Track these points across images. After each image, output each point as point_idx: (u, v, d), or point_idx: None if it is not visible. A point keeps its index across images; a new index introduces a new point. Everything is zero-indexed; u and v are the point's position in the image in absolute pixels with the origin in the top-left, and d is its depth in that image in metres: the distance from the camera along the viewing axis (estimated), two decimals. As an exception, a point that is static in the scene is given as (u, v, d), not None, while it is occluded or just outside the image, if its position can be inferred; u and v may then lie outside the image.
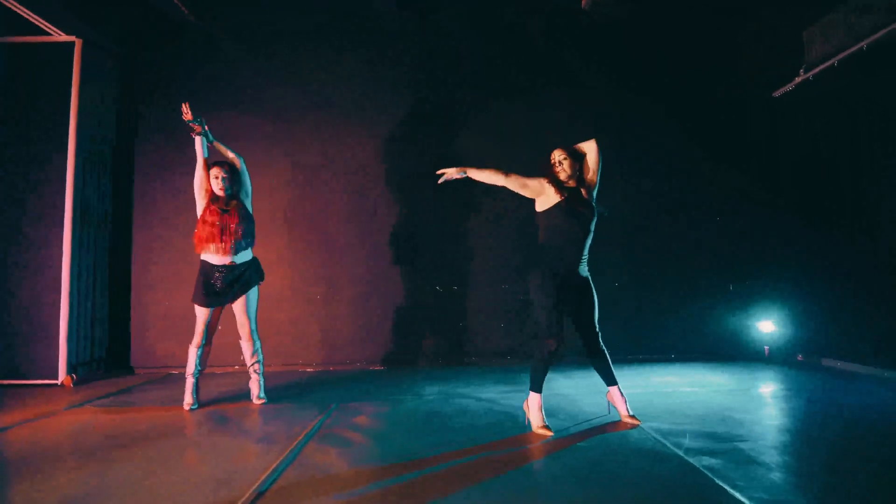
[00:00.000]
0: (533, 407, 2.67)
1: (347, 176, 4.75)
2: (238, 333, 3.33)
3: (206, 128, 3.19)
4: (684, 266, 4.82)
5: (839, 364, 4.25)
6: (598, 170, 2.77)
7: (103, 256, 4.48)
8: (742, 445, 2.36)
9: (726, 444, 2.38)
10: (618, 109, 4.79)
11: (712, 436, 2.50)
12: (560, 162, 2.73)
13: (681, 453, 2.26)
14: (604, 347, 2.78)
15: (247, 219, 3.26)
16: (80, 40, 4.21)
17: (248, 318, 3.28)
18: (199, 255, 3.21)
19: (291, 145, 4.73)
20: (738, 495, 1.82)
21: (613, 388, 2.81)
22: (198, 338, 3.20)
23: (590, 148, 2.76)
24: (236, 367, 4.48)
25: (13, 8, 3.78)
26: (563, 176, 2.72)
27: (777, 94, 4.80)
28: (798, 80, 4.54)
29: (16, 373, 3.97)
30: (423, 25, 4.80)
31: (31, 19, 3.95)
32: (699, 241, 4.84)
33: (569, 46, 4.84)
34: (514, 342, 4.71)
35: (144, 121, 4.66)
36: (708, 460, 2.17)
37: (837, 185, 4.45)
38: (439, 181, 2.82)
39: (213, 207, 3.17)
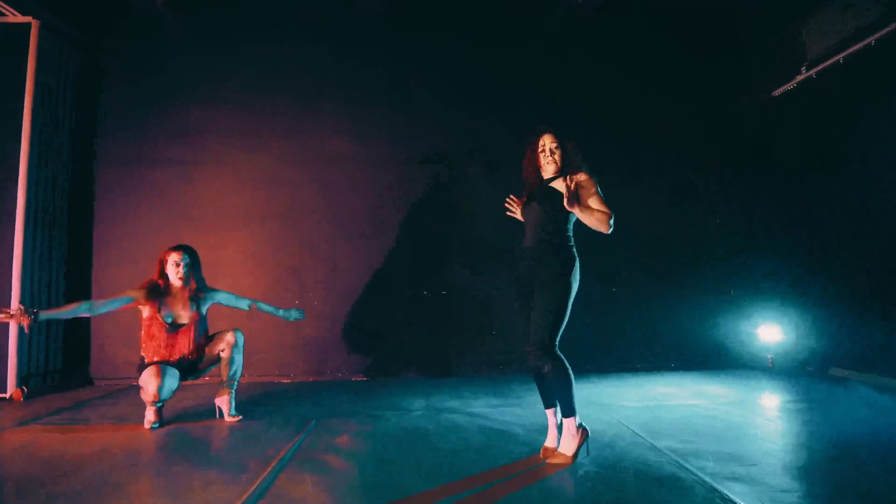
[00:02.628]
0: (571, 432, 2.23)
1: (326, 174, 4.45)
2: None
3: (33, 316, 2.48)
4: (683, 272, 4.63)
5: (847, 373, 4.08)
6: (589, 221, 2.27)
7: (60, 258, 4.10)
8: (767, 468, 2.13)
9: (750, 467, 2.14)
10: (611, 110, 4.60)
11: (733, 457, 2.26)
12: (551, 150, 2.36)
13: (707, 479, 2.01)
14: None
15: (205, 330, 2.94)
16: (38, 21, 3.85)
17: (234, 362, 3.00)
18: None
19: (266, 140, 4.41)
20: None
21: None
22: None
23: (593, 218, 2.23)
24: (207, 377, 4.12)
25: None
26: (550, 168, 2.36)
27: (777, 92, 4.66)
28: (799, 78, 4.40)
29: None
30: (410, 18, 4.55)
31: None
32: (699, 246, 4.66)
33: (584, 40, 4.63)
34: (506, 351, 4.45)
35: (107, 111, 4.31)
36: (739, 486, 1.92)
37: (844, 187, 4.30)
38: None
39: (159, 321, 2.78)
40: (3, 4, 3.73)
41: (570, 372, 2.24)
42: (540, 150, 2.39)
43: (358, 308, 4.38)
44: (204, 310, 2.96)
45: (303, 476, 2.09)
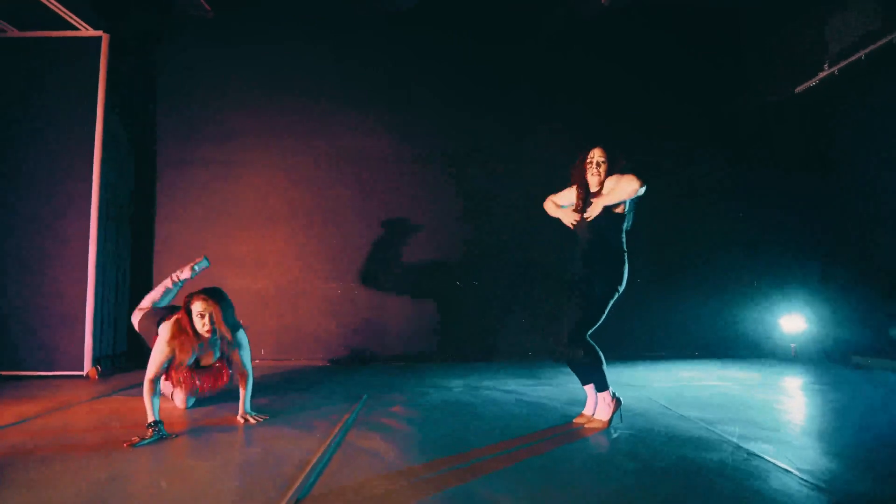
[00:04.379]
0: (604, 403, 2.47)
1: (363, 172, 4.75)
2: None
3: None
4: (707, 262, 4.81)
5: (868, 361, 4.21)
6: (623, 202, 2.43)
7: (126, 251, 4.48)
8: (789, 432, 2.33)
9: (773, 432, 2.35)
10: (637, 105, 4.80)
11: (756, 424, 2.47)
12: (598, 164, 2.47)
13: (734, 440, 2.23)
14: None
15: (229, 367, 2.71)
16: (108, 35, 4.22)
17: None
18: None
19: (303, 139, 4.72)
20: (798, 475, 1.79)
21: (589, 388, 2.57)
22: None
23: (626, 187, 2.36)
24: (256, 360, 4.47)
25: (47, 3, 3.79)
26: (594, 180, 2.47)
27: (799, 89, 4.80)
28: (822, 74, 4.54)
29: (41, 364, 3.95)
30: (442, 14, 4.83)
31: (60, 13, 3.96)
32: (722, 237, 4.83)
33: (584, 40, 4.85)
34: (535, 338, 4.68)
35: (165, 116, 4.68)
36: (763, 445, 2.14)
37: (865, 180, 4.43)
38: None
39: (184, 367, 2.56)
40: (77, 19, 4.11)
41: (600, 354, 2.47)
42: (588, 160, 2.50)
43: (393, 297, 4.67)
44: (228, 355, 2.71)
45: (369, 433, 2.37)
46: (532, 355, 4.66)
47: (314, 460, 2.00)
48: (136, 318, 3.17)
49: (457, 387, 3.50)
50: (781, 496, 1.65)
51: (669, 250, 4.78)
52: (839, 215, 4.64)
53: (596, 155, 2.48)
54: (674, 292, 4.76)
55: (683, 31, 4.89)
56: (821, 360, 4.52)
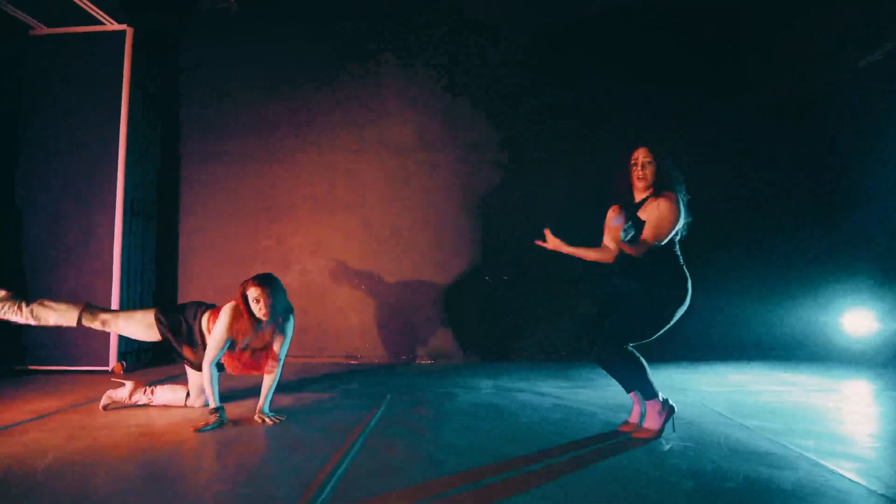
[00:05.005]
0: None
1: (389, 164, 4.57)
2: None
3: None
4: (761, 259, 4.40)
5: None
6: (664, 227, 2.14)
7: (150, 245, 4.45)
8: (871, 448, 2.01)
9: (852, 446, 2.03)
10: (695, 93, 4.44)
11: (832, 437, 2.15)
12: (643, 165, 2.22)
13: (810, 455, 1.92)
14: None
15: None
16: (132, 29, 4.19)
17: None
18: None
19: (328, 132, 4.58)
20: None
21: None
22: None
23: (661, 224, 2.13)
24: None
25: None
26: (640, 184, 2.24)
27: (863, 63, 4.35)
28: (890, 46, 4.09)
29: (67, 360, 3.95)
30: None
31: (86, 8, 3.93)
32: (779, 230, 4.42)
33: (629, 29, 4.53)
34: (569, 339, 4.40)
35: (188, 112, 4.62)
36: (848, 462, 1.83)
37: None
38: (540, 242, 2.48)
39: (238, 350, 2.58)
40: (102, 14, 4.08)
41: (641, 360, 2.21)
42: (633, 162, 2.25)
43: (419, 294, 4.47)
44: (271, 343, 2.66)
45: (391, 440, 2.18)
46: (565, 355, 4.39)
47: (330, 469, 1.82)
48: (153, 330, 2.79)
49: (486, 388, 3.28)
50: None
51: (713, 245, 4.40)
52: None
53: (640, 155, 2.23)
54: (719, 290, 4.37)
55: (684, 31, 4.53)
56: (891, 362, 4.06)
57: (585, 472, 1.80)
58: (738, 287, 4.37)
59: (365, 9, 4.61)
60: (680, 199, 2.19)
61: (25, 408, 2.80)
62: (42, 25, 4.18)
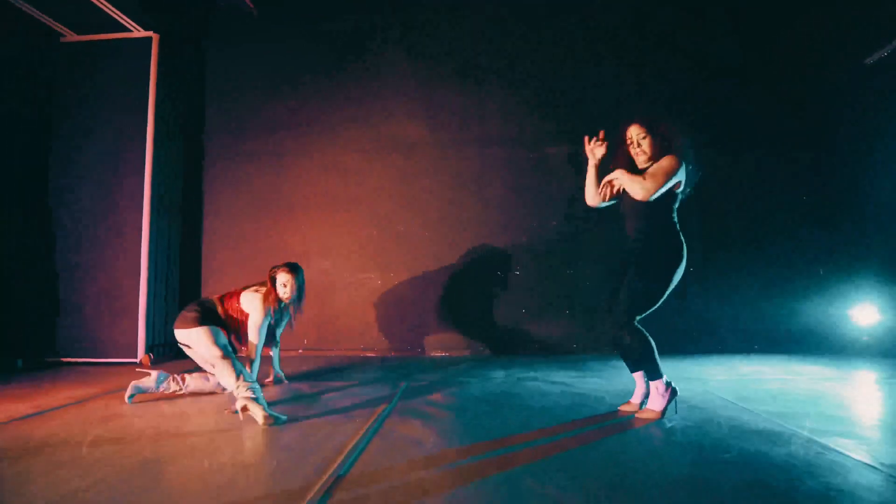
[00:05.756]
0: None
1: (402, 162, 4.72)
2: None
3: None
4: (766, 250, 4.47)
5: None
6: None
7: (175, 242, 4.64)
8: (869, 428, 2.10)
9: (851, 426, 2.13)
10: (699, 86, 4.53)
11: (832, 419, 2.24)
12: (638, 142, 2.30)
13: (805, 433, 2.02)
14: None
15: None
16: (157, 35, 4.39)
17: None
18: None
19: (343, 129, 4.74)
20: (883, 470, 1.59)
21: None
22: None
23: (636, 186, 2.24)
24: (299, 350, 4.52)
25: (103, 7, 3.97)
26: (640, 159, 2.31)
27: (870, 60, 4.39)
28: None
29: (97, 352, 4.15)
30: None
31: (115, 16, 4.14)
32: (783, 223, 4.48)
33: (634, 23, 4.63)
34: (582, 331, 4.51)
35: (213, 110, 4.83)
36: (840, 439, 1.93)
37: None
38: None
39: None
40: (129, 21, 4.28)
41: (650, 340, 2.31)
42: (628, 142, 2.34)
43: (433, 288, 4.61)
44: (292, 318, 3.14)
45: (408, 420, 2.32)
46: (577, 348, 4.49)
47: (352, 443, 1.97)
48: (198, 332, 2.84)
49: (498, 377, 3.40)
50: (864, 491, 1.46)
51: (718, 236, 4.48)
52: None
53: (633, 133, 2.31)
54: (728, 282, 4.46)
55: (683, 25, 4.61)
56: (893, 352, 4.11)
57: (588, 447, 1.92)
58: (748, 282, 4.44)
59: (378, 7, 4.78)
60: (682, 158, 2.24)
61: (60, 395, 2.98)
62: (72, 33, 4.40)
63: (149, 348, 4.19)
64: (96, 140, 4.31)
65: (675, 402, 2.37)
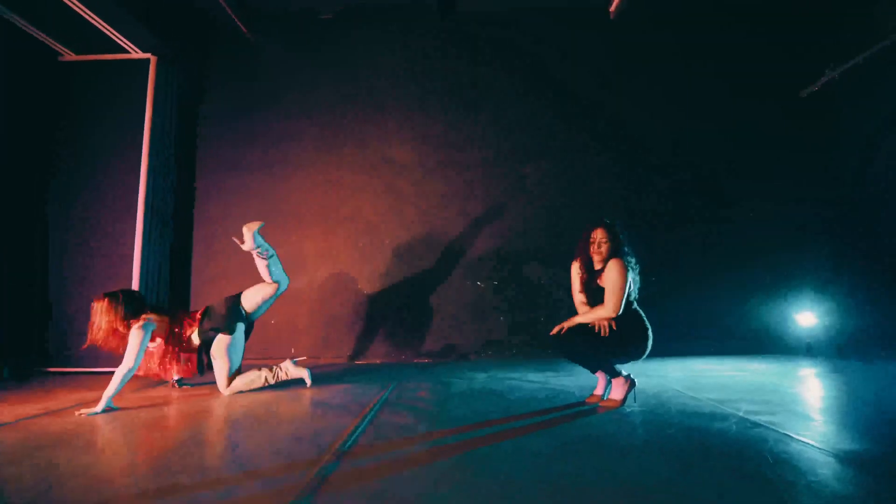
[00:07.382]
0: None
1: (390, 179, 5.03)
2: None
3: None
4: (717, 258, 4.92)
5: (883, 354, 4.26)
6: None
7: (166, 251, 4.77)
8: (794, 408, 2.47)
9: (778, 406, 2.49)
10: (644, 109, 5.01)
11: (765, 402, 2.61)
12: (600, 244, 2.66)
13: (740, 413, 2.38)
14: None
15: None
16: (156, 57, 4.61)
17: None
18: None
19: (338, 147, 5.04)
20: (802, 439, 1.94)
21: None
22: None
23: (613, 290, 2.57)
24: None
25: (103, 29, 4.18)
26: (597, 258, 2.67)
27: (804, 93, 4.94)
28: (824, 79, 4.69)
29: (88, 361, 4.23)
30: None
31: (113, 37, 4.34)
32: (732, 232, 4.95)
33: (595, 53, 5.10)
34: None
35: (204, 123, 5.08)
36: (768, 417, 2.28)
37: (873, 175, 4.54)
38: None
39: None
40: (128, 43, 4.49)
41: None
42: (591, 241, 2.69)
43: (420, 298, 4.89)
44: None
45: (399, 411, 2.58)
46: (552, 353, 4.81)
47: (351, 428, 2.22)
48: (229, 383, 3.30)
49: (481, 378, 3.69)
50: (782, 454, 1.81)
51: (676, 246, 4.92)
52: (849, 210, 4.74)
53: (598, 236, 2.67)
54: (685, 289, 4.88)
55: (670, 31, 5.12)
56: (835, 354, 4.58)
57: (557, 428, 2.22)
58: (707, 289, 4.89)
59: (373, 24, 5.14)
60: (628, 265, 2.62)
61: (68, 398, 3.13)
62: (71, 52, 4.58)
63: (140, 356, 4.31)
64: (91, 153, 4.47)
65: (635, 392, 2.70)
